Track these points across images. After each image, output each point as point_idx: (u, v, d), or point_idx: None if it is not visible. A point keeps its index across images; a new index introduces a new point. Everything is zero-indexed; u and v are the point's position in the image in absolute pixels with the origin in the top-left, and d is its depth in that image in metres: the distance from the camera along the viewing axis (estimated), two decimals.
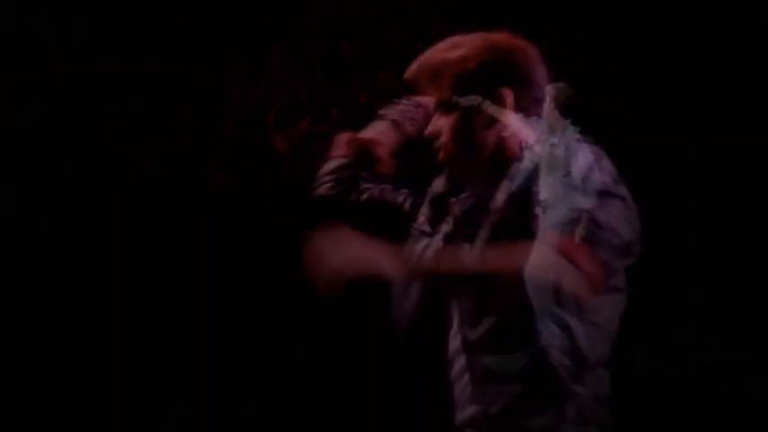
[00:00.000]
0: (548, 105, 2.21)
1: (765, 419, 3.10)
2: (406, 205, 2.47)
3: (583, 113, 2.25)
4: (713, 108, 3.20)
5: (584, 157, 2.13)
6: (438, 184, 2.41)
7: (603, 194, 2.11)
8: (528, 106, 2.25)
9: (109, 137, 3.54)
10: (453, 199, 2.33)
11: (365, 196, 2.52)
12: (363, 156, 2.56)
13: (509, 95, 2.23)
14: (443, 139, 2.28)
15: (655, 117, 3.22)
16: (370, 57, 3.45)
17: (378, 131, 2.58)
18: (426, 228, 2.35)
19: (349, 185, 2.53)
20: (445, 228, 2.30)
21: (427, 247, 2.32)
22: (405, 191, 2.50)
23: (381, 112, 2.61)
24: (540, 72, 2.28)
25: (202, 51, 3.55)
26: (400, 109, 2.59)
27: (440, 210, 2.35)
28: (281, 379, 3.53)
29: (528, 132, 2.26)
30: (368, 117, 2.61)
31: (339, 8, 3.47)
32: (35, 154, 3.53)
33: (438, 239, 2.31)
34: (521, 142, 2.25)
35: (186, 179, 3.53)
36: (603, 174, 2.13)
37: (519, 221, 2.13)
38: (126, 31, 3.52)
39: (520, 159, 2.24)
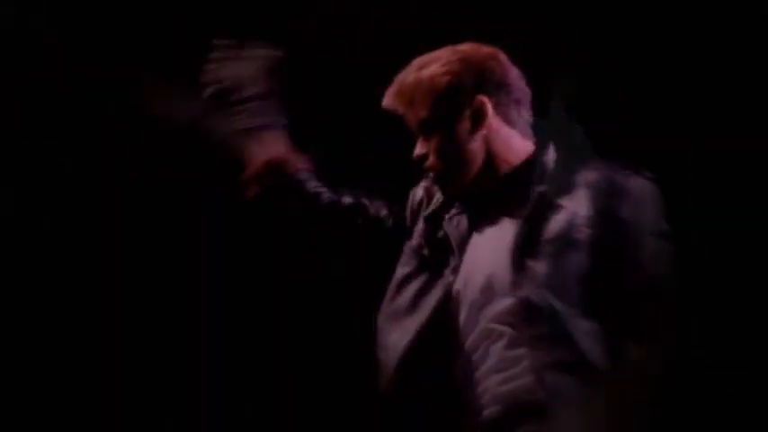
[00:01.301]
0: (554, 105, 2.21)
1: (765, 419, 3.10)
2: (390, 222, 2.45)
3: (583, 113, 2.26)
4: (713, 108, 3.20)
5: (651, 191, 2.15)
6: (420, 196, 2.39)
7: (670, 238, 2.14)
8: (508, 110, 2.26)
9: (109, 137, 3.54)
10: (446, 216, 2.31)
11: (346, 214, 2.47)
12: (282, 176, 2.45)
13: (487, 102, 2.23)
14: (431, 159, 2.26)
15: (655, 117, 3.22)
16: (370, 57, 3.44)
17: (267, 149, 2.45)
18: (425, 251, 2.32)
19: (318, 209, 2.46)
20: (453, 261, 2.25)
21: (429, 286, 2.26)
22: (381, 203, 2.48)
23: (237, 127, 2.48)
24: (513, 74, 2.27)
25: (202, 51, 3.54)
26: (253, 112, 2.47)
27: (434, 228, 2.33)
28: (281, 379, 3.53)
29: (512, 134, 2.26)
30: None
31: (339, 8, 3.47)
32: (35, 154, 3.52)
33: (449, 279, 2.25)
34: (528, 157, 2.25)
35: (186, 179, 3.53)
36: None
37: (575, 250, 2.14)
38: (125, 31, 3.52)
39: (515, 168, 2.24)
